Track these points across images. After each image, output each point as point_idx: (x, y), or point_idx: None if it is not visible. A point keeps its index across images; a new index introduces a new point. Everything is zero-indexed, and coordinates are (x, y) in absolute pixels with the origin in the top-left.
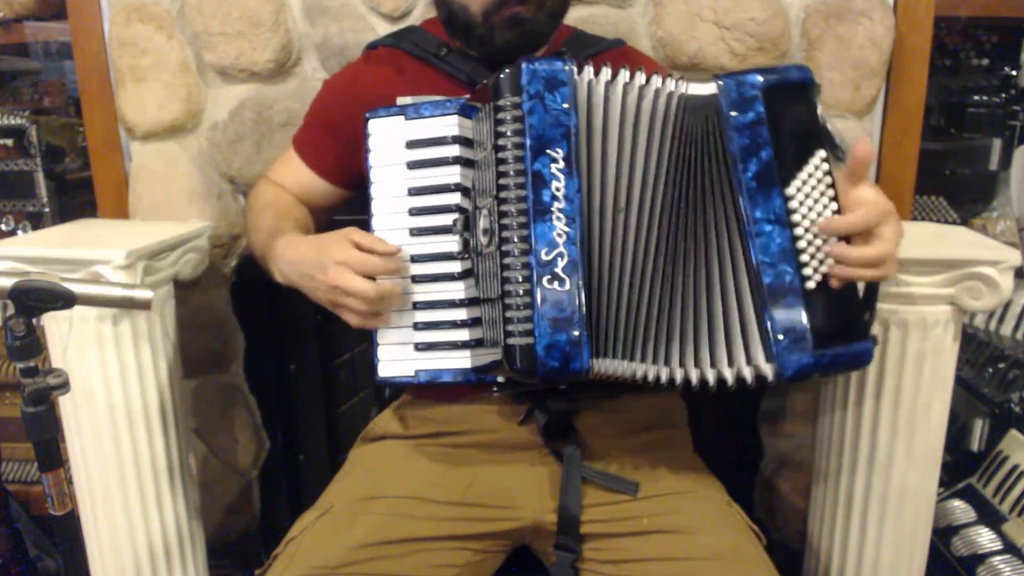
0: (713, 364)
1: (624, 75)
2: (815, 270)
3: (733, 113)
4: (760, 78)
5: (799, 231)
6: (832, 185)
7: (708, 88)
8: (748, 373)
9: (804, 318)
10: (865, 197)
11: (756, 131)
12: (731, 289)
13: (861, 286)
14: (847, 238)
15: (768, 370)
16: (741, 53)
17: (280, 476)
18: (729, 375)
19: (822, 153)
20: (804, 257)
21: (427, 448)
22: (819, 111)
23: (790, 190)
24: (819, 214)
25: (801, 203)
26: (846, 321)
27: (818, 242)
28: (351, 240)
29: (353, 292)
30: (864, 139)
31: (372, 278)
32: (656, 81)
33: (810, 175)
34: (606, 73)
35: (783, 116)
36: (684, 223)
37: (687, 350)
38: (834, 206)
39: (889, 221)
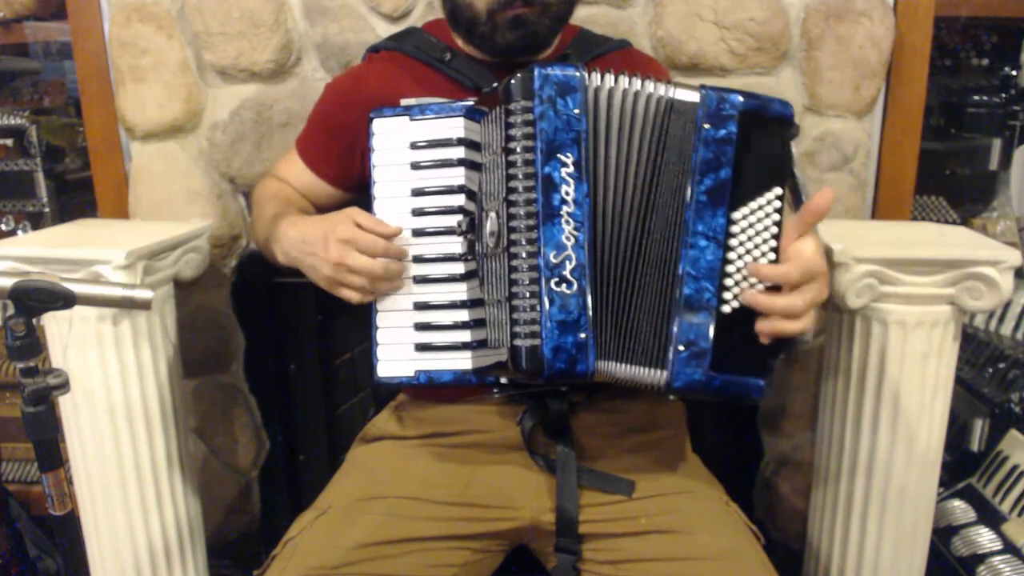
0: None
1: (624, 80)
2: (735, 297)
3: (706, 126)
4: (741, 99)
5: (732, 255)
6: (778, 224)
7: (692, 96)
8: (641, 373)
9: (709, 337)
10: (804, 251)
11: (722, 149)
12: (661, 292)
13: None
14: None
15: (660, 376)
16: (741, 53)
17: (280, 476)
18: (623, 371)
19: (779, 191)
20: (728, 282)
21: (425, 448)
22: (792, 152)
23: (736, 215)
24: (756, 246)
25: (743, 230)
26: (748, 354)
27: (746, 271)
28: (354, 220)
29: (358, 269)
30: (827, 190)
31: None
32: (649, 86)
33: (760, 207)
34: (611, 79)
35: (753, 144)
36: (654, 226)
37: (650, 350)
38: (773, 244)
39: (816, 280)
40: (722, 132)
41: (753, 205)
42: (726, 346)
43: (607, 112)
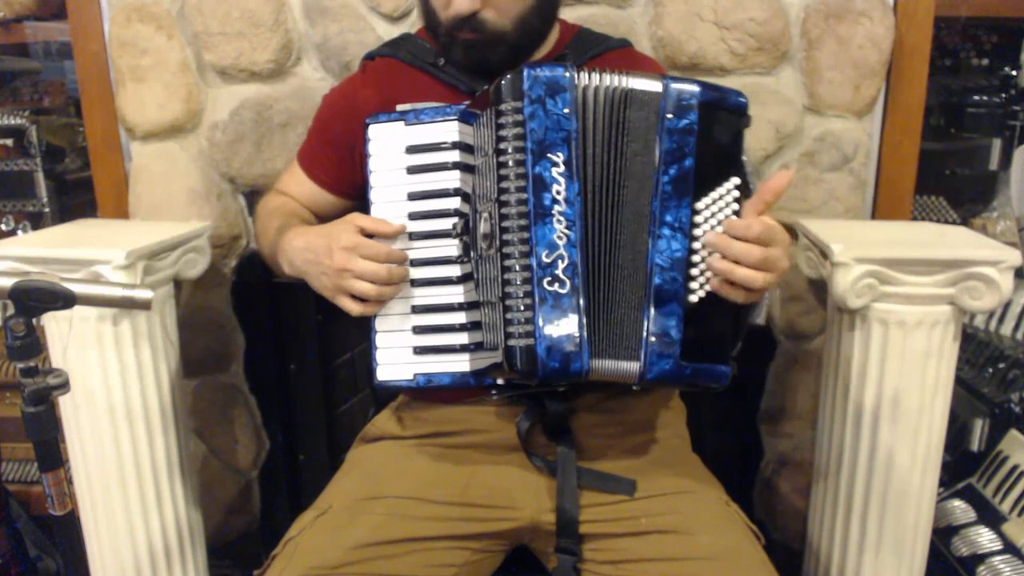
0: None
1: (609, 77)
2: (701, 286)
3: (669, 116)
4: (698, 89)
5: (696, 245)
6: (737, 214)
7: (655, 86)
8: (616, 366)
9: (678, 327)
10: (765, 220)
11: (685, 138)
12: (635, 285)
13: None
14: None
15: (634, 368)
16: (741, 53)
17: (280, 476)
18: (611, 367)
19: (737, 180)
20: (694, 271)
21: (425, 448)
22: (743, 143)
23: (699, 205)
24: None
25: (706, 220)
26: (715, 342)
27: (708, 251)
28: (357, 225)
29: (362, 274)
30: (786, 172)
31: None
32: (615, 79)
33: (721, 196)
34: (597, 77)
35: (712, 133)
36: (629, 219)
37: (628, 344)
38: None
39: (778, 246)
40: (684, 122)
41: (714, 195)
42: (695, 335)
43: (594, 110)
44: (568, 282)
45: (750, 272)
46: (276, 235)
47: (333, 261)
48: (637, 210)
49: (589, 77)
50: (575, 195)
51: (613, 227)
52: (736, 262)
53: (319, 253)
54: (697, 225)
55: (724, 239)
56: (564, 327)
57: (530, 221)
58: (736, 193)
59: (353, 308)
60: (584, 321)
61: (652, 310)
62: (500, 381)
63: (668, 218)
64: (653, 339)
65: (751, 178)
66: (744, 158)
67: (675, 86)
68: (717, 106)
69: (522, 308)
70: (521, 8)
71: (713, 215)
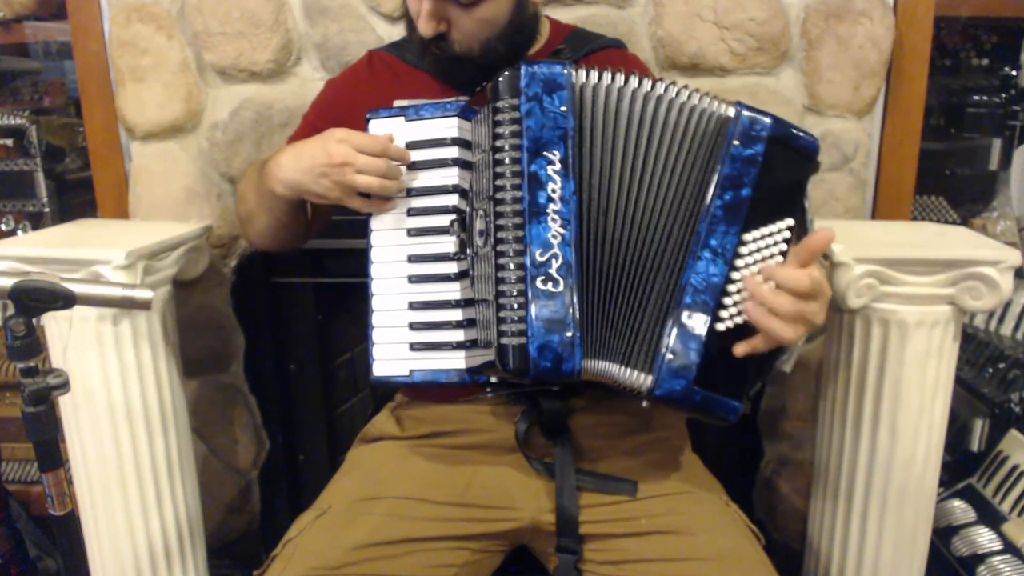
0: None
1: (620, 79)
2: (731, 317)
3: (735, 143)
4: (770, 121)
5: (735, 275)
6: (784, 254)
7: (727, 110)
8: (625, 375)
9: (699, 351)
10: (811, 272)
11: (747, 168)
12: (659, 297)
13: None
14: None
15: (644, 380)
16: (741, 53)
17: (280, 476)
18: (610, 371)
19: (790, 222)
20: (727, 300)
21: (424, 449)
22: (807, 187)
23: (747, 237)
24: (760, 271)
25: (751, 253)
26: (732, 375)
27: (746, 294)
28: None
29: (363, 167)
30: (828, 231)
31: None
32: (671, 91)
33: (771, 234)
34: (607, 77)
35: (775, 169)
36: (658, 229)
37: (639, 354)
38: None
39: (819, 300)
40: (749, 152)
41: (764, 230)
42: (714, 363)
43: (604, 111)
44: (562, 281)
45: (782, 325)
46: (258, 172)
47: (331, 157)
48: (675, 225)
49: (588, 75)
50: (571, 194)
51: (632, 232)
52: (771, 311)
53: (314, 156)
54: (740, 256)
55: (758, 286)
56: (557, 326)
57: (525, 219)
58: (787, 234)
59: (361, 205)
60: (577, 321)
61: (676, 328)
62: (494, 379)
63: (713, 242)
64: (671, 356)
65: (811, 223)
66: (806, 203)
67: (747, 114)
68: (785, 143)
69: (515, 307)
70: (488, 34)
71: (759, 249)
